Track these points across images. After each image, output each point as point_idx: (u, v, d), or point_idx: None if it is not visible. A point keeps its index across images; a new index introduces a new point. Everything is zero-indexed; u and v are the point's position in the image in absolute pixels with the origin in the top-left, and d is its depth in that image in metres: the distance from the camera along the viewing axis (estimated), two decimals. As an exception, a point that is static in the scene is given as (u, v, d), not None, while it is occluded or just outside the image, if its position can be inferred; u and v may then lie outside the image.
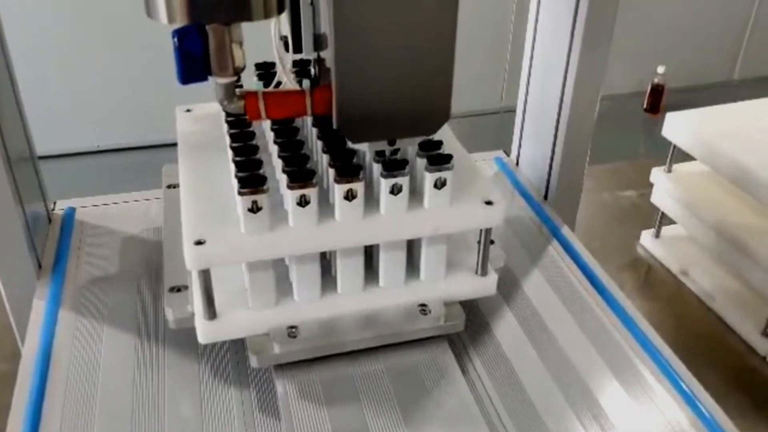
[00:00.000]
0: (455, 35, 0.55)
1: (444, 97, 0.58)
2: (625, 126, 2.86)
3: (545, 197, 0.95)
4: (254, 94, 0.59)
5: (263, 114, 0.60)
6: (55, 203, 0.91)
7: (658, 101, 3.19)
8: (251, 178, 0.58)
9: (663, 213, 1.12)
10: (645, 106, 3.21)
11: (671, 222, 1.12)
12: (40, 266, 0.80)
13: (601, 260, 0.82)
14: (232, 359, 0.69)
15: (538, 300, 0.76)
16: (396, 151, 0.62)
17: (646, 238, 1.16)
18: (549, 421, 0.62)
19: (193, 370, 0.67)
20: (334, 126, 0.58)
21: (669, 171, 1.09)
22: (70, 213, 0.89)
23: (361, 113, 0.57)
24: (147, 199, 0.93)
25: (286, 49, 0.65)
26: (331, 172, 0.60)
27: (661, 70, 3.14)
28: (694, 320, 1.03)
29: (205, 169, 0.69)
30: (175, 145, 0.75)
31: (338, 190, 0.59)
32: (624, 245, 1.17)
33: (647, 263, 1.14)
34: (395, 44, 0.55)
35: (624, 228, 1.20)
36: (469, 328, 0.68)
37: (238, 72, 0.57)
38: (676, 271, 1.10)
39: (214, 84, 0.58)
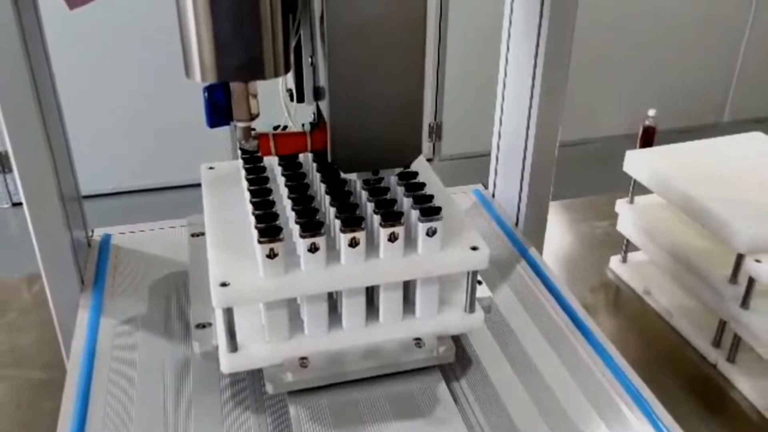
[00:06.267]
0: (423, 91, 0.66)
1: (416, 137, 0.68)
2: (616, 166, 2.97)
3: (516, 224, 1.05)
4: (266, 134, 0.70)
5: (273, 150, 0.71)
6: (93, 230, 1.03)
7: (649, 143, 3.30)
8: (269, 229, 0.65)
9: (628, 240, 1.23)
10: (637, 147, 3.34)
11: (636, 248, 1.22)
12: (83, 282, 0.91)
13: (575, 283, 0.90)
14: (250, 387, 0.75)
15: (508, 312, 0.86)
16: (380, 180, 0.73)
17: (615, 262, 1.25)
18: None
19: (216, 396, 0.74)
20: (329, 159, 0.67)
21: (631, 202, 1.20)
22: (107, 239, 1.01)
23: (350, 149, 0.67)
24: (172, 227, 1.03)
25: (291, 99, 0.76)
26: (338, 222, 0.67)
27: (652, 112, 3.27)
28: (655, 334, 1.12)
29: (227, 220, 0.76)
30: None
31: (344, 239, 0.66)
32: (596, 269, 1.26)
33: (615, 285, 1.23)
34: (377, 96, 0.64)
35: (596, 254, 1.30)
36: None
37: (253, 118, 0.67)
38: (640, 292, 1.18)
39: (234, 127, 0.68)
